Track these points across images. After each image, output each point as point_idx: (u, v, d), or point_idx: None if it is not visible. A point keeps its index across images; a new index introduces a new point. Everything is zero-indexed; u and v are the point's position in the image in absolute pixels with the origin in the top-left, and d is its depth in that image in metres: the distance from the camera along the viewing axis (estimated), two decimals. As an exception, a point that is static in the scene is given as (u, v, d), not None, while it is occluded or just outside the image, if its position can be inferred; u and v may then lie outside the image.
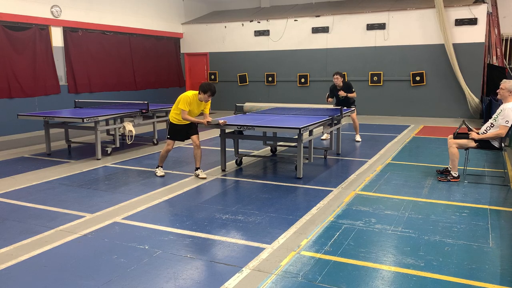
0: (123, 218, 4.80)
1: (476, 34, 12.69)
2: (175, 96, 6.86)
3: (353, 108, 9.03)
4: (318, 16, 14.52)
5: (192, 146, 6.72)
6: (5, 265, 3.68)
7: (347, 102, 9.18)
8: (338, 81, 9.09)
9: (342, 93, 9.08)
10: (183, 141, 6.83)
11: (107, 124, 9.00)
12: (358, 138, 9.52)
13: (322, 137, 9.69)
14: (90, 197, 5.60)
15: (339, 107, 8.35)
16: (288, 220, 4.69)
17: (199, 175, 6.53)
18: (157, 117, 9.36)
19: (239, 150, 7.44)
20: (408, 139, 9.66)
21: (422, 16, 13.22)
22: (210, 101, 6.57)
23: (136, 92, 14.31)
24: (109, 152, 8.23)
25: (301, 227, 4.48)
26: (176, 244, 4.11)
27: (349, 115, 8.92)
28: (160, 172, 6.68)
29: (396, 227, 4.44)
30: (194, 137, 6.58)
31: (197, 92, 6.38)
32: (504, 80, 6.07)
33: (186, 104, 6.32)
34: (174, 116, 6.53)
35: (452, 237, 4.18)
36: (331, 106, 9.04)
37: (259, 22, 15.38)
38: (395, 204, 5.20)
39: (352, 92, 9.18)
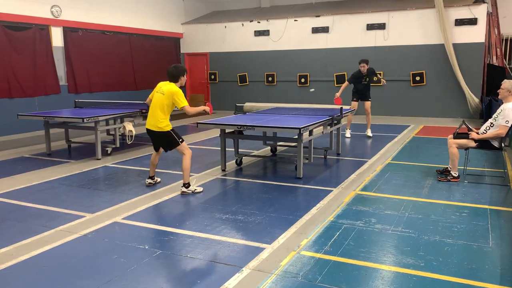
0: (123, 218, 4.80)
1: (476, 34, 12.68)
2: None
3: (369, 100, 10.04)
4: (318, 16, 14.51)
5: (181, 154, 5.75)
6: (5, 265, 3.68)
7: (367, 92, 10.01)
8: (365, 69, 9.82)
9: (383, 81, 10.57)
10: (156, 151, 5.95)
11: (107, 124, 8.99)
12: (369, 133, 10.03)
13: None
14: (90, 197, 5.60)
15: (354, 100, 9.69)
16: (288, 220, 4.69)
17: (196, 190, 5.74)
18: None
19: (239, 150, 7.43)
20: (408, 139, 9.66)
21: (422, 16, 13.21)
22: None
23: (136, 92, 14.31)
24: (109, 152, 8.22)
25: (301, 227, 4.48)
26: (176, 244, 4.11)
27: (367, 109, 9.95)
28: (148, 181, 6.09)
29: (396, 227, 4.44)
30: (177, 148, 5.71)
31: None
32: (505, 80, 6.07)
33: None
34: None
35: (452, 237, 4.18)
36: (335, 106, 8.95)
37: (259, 22, 15.38)
38: (395, 204, 5.20)
39: (377, 75, 10.21)
